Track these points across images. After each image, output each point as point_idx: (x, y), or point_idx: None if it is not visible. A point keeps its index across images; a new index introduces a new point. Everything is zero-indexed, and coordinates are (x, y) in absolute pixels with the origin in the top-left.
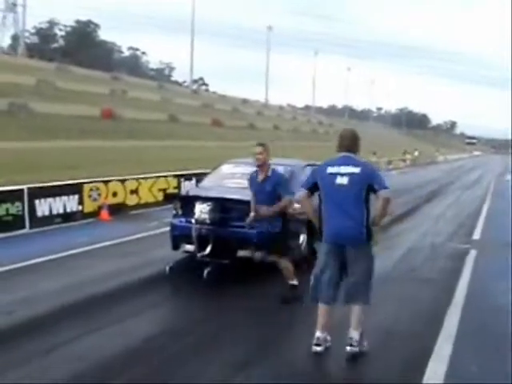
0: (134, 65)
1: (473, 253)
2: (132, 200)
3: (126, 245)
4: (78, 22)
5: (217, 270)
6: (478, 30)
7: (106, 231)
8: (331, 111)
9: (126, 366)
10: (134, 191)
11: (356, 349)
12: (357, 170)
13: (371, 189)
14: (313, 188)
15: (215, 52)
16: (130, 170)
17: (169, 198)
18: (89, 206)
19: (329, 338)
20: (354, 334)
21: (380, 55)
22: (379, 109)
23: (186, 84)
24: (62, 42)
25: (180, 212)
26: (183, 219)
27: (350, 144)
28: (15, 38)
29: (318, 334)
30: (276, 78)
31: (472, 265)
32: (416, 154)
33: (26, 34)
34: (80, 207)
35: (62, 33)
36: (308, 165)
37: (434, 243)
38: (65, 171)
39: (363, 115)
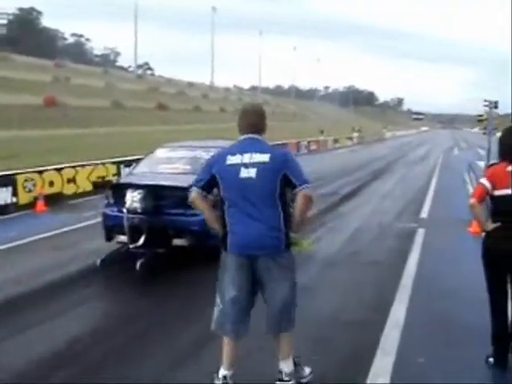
0: (78, 51)
1: (420, 232)
2: (69, 189)
3: (60, 237)
4: (20, 9)
5: (151, 261)
6: (422, 6)
7: (41, 223)
8: (278, 91)
9: (49, 371)
10: (72, 180)
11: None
12: (265, 157)
13: (287, 182)
14: (209, 185)
15: (161, 36)
16: (71, 158)
17: (98, 186)
18: (24, 198)
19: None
20: (284, 366)
21: (325, 35)
22: (326, 88)
23: (131, 69)
24: (4, 30)
25: (112, 201)
26: (115, 208)
27: (254, 123)
28: None
29: (223, 371)
30: (223, 60)
31: (420, 245)
32: (355, 134)
33: None
34: (14, 199)
35: (4, 21)
36: None
37: (381, 223)
38: (2, 161)
39: (310, 94)
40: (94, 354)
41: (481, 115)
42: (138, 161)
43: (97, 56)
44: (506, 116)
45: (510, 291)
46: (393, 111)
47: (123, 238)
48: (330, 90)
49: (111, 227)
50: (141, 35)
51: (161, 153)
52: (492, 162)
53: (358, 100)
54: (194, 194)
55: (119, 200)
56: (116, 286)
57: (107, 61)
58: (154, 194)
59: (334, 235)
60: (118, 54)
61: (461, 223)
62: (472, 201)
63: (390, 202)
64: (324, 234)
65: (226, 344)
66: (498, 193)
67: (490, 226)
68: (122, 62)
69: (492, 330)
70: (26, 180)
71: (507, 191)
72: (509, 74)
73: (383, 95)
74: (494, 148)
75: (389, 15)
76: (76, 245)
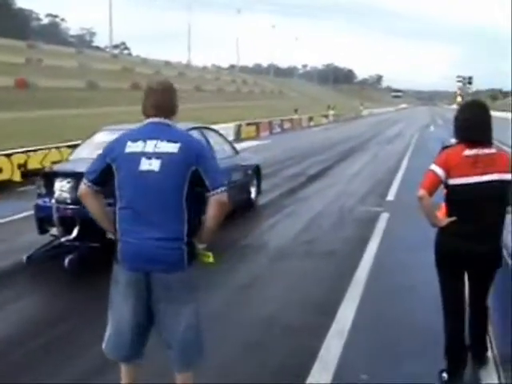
0: (53, 32)
1: (384, 216)
2: (20, 176)
3: None
4: None
5: (83, 257)
6: None
7: None
8: (256, 70)
9: None
10: (23, 165)
11: None
12: (174, 147)
13: (197, 181)
14: (102, 177)
15: (138, 15)
16: (37, 141)
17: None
18: None
19: None
20: None
21: (304, 13)
22: (305, 66)
23: (108, 49)
24: None
25: (44, 191)
26: (47, 199)
27: (160, 103)
28: None
29: None
30: (201, 39)
31: (382, 232)
32: (331, 112)
33: None
34: None
35: None
36: (191, 128)
37: (344, 207)
38: None
39: (288, 72)
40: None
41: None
42: None
43: (72, 37)
44: (481, 92)
45: (466, 296)
46: (372, 88)
47: (56, 231)
48: (309, 68)
49: (43, 219)
50: (117, 14)
51: (100, 137)
52: (446, 144)
53: (338, 78)
54: (84, 189)
55: (51, 190)
56: (41, 285)
57: (83, 41)
58: None
59: (290, 221)
60: (93, 34)
61: None
62: (421, 192)
63: (357, 183)
64: (280, 220)
65: (124, 371)
66: (453, 182)
67: (445, 220)
68: (98, 42)
69: (445, 340)
70: None
71: (464, 180)
72: (489, 50)
73: (362, 73)
74: None
75: None
76: (11, 238)
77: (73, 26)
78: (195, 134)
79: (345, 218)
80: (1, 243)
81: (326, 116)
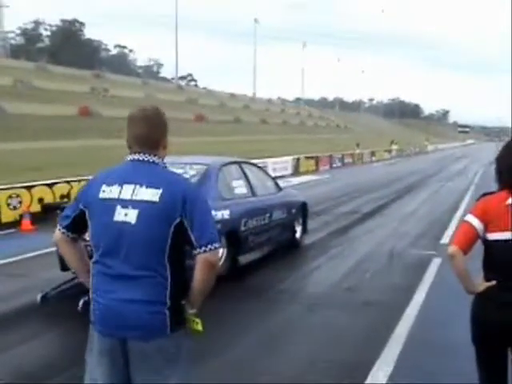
0: (121, 63)
1: (436, 262)
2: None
3: (28, 261)
4: (63, 20)
5: None
6: (467, 17)
7: (17, 245)
8: (322, 103)
9: None
10: (65, 196)
11: None
12: (155, 194)
13: (183, 234)
14: (77, 223)
15: (205, 48)
16: (95, 170)
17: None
18: (7, 216)
19: None
20: None
21: (368, 47)
22: (371, 100)
23: (174, 81)
24: (47, 41)
25: None
26: None
27: (143, 134)
28: None
29: None
30: (267, 72)
31: (431, 280)
32: (394, 147)
33: (12, 35)
34: None
35: (48, 32)
36: (229, 163)
37: (394, 249)
38: (27, 173)
39: (355, 106)
40: None
41: None
42: None
43: (140, 67)
44: None
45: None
46: (438, 124)
47: None
48: (375, 102)
49: None
50: (185, 47)
51: None
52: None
53: (404, 112)
54: (57, 235)
55: None
56: (49, 330)
57: (150, 72)
58: None
59: (334, 265)
60: (160, 65)
61: None
62: (452, 249)
63: (412, 223)
64: (323, 263)
65: None
66: (492, 237)
67: (482, 285)
68: (165, 73)
69: None
70: (10, 196)
71: (506, 235)
72: None
73: (429, 107)
74: None
75: (432, 26)
76: (37, 273)
77: (141, 56)
78: (233, 169)
79: (393, 263)
80: (23, 278)
81: (389, 151)
